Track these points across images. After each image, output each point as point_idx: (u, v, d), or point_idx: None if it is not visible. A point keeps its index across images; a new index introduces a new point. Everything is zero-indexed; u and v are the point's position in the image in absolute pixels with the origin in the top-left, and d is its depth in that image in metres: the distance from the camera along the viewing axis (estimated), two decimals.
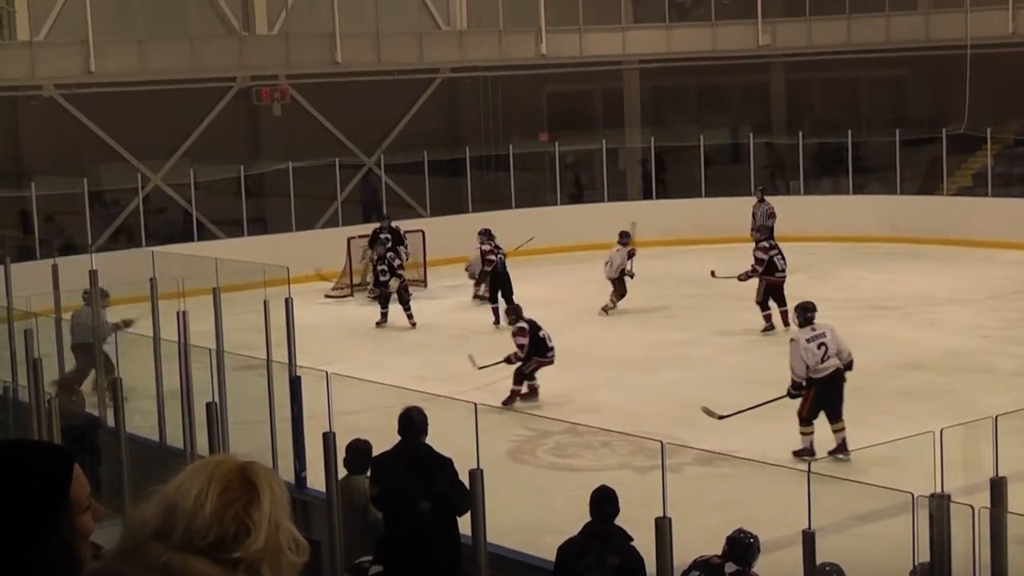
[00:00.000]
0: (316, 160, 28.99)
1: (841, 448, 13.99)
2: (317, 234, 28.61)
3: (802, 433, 14.23)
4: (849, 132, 30.61)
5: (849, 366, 14.39)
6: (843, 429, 14.15)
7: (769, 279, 21.00)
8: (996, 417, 8.40)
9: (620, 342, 20.84)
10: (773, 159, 33.81)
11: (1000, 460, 8.25)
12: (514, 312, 17.95)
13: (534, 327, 17.43)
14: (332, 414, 10.86)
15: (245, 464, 2.33)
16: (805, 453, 14.04)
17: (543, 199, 31.08)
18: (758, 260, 21.18)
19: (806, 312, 14.59)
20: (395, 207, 30.07)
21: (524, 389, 17.13)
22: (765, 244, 21.49)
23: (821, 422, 14.31)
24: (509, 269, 23.28)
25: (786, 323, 19.78)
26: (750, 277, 21.28)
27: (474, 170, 30.65)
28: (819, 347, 14.21)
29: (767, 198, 27.56)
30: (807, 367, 14.18)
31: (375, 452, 10.16)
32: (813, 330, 14.35)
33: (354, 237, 26.47)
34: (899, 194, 30.61)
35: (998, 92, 30.85)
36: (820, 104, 36.03)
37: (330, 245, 26.57)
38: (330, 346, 20.00)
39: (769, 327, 20.76)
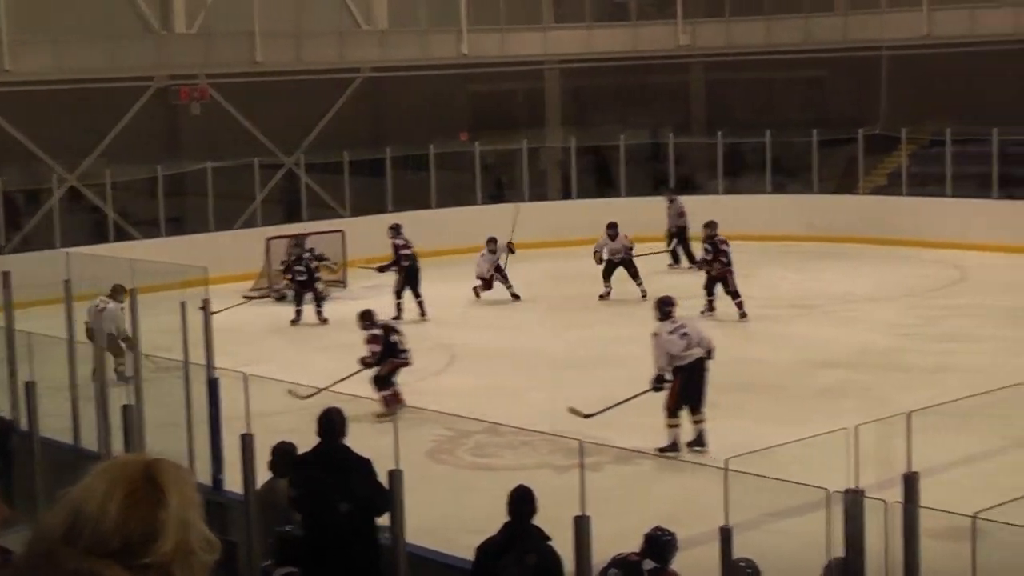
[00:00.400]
0: (235, 160, 28.80)
1: (699, 440, 14.42)
2: (236, 234, 28.44)
3: (668, 427, 14.49)
4: (767, 132, 30.85)
5: (710, 354, 14.74)
6: (703, 421, 14.53)
7: (728, 270, 22.35)
8: (910, 413, 8.49)
9: (546, 340, 20.88)
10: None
11: (913, 456, 8.34)
12: (367, 317, 17.31)
13: (388, 331, 17.08)
14: (250, 416, 10.79)
15: (151, 463, 2.25)
16: (670, 449, 14.33)
17: (464, 199, 31.07)
18: (723, 252, 22.30)
19: (664, 307, 14.98)
20: (315, 207, 29.99)
21: (390, 392, 16.52)
22: (722, 237, 22.63)
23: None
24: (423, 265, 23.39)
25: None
26: (723, 268, 22.30)
27: (395, 170, 30.59)
28: (681, 337, 14.59)
29: (677, 197, 27.98)
30: (671, 357, 14.52)
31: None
32: (674, 323, 14.77)
33: (273, 237, 26.34)
34: (816, 193, 30.91)
35: (914, 93, 31.22)
36: (739, 104, 36.25)
37: (249, 245, 26.41)
38: (249, 347, 19.86)
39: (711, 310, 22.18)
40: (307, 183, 30.48)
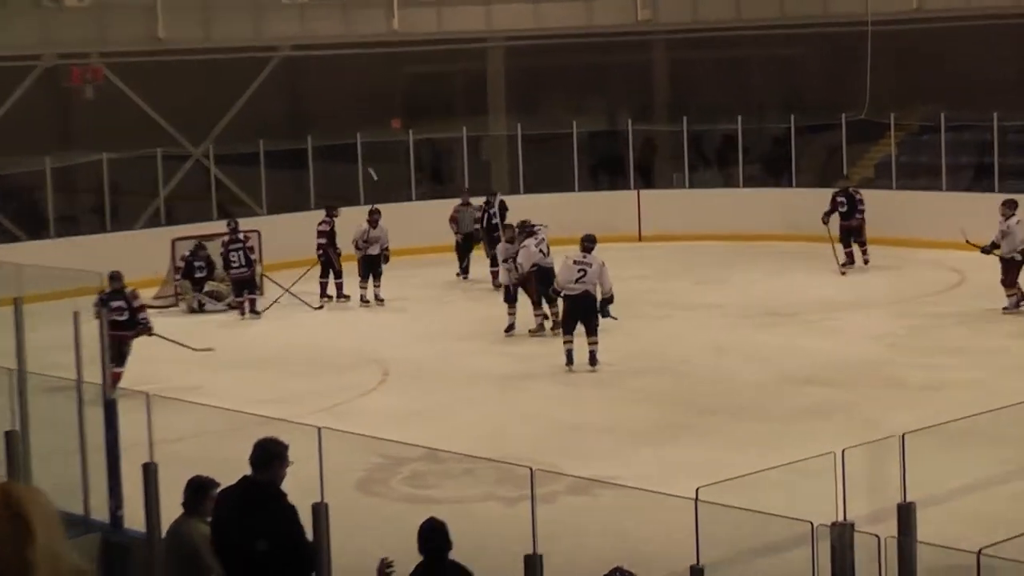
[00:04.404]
0: (135, 151, 28.59)
1: (592, 359, 19.18)
2: (136, 235, 28.26)
3: (563, 342, 19.50)
4: (739, 118, 30.92)
5: (610, 299, 19.45)
6: (595, 343, 19.20)
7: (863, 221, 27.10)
8: (903, 436, 8.49)
9: (484, 355, 20.83)
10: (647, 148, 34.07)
11: (908, 483, 8.34)
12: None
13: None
14: (153, 442, 10.67)
15: (6, 491, 2.18)
16: (568, 362, 19.31)
17: (397, 194, 30.92)
18: (859, 202, 27.11)
19: (585, 242, 19.69)
20: (227, 204, 29.81)
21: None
22: (856, 189, 27.72)
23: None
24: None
25: None
26: (860, 220, 27.10)
27: (318, 162, 30.45)
28: (579, 271, 19.27)
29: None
30: (564, 283, 19.43)
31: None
32: (583, 258, 19.40)
33: (180, 239, 26.16)
34: (795, 187, 31.00)
35: (902, 74, 31.39)
36: (707, 87, 36.34)
37: (151, 248, 26.21)
38: (153, 364, 19.68)
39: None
40: (217, 176, 30.29)
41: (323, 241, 25.45)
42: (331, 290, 25.53)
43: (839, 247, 26.78)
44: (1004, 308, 22.06)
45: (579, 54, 34.47)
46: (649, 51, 35.60)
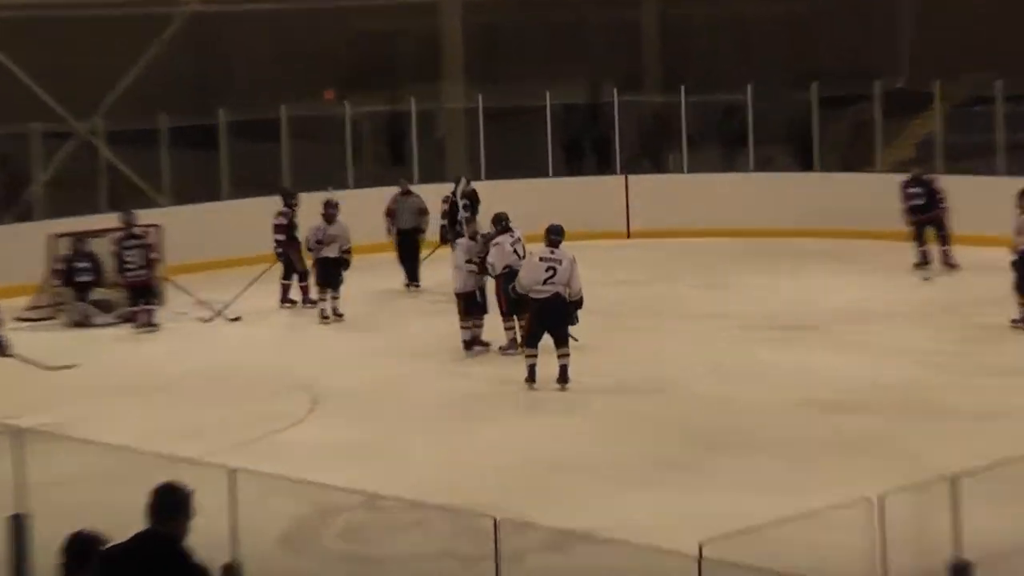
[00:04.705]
0: (6, 127, 28.50)
1: (562, 375, 19.42)
2: (5, 230, 28.34)
3: (525, 356, 19.85)
4: (748, 87, 30.93)
5: (579, 303, 19.66)
6: (566, 356, 19.44)
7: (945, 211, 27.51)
8: (954, 477, 8.43)
9: (439, 378, 20.76)
10: (645, 125, 34.16)
11: (963, 536, 8.28)
12: None
13: None
14: (26, 488, 10.55)
15: None
16: (529, 379, 19.60)
17: (330, 180, 30.86)
18: (938, 190, 27.33)
19: (552, 235, 19.87)
20: (121, 192, 29.75)
21: None
22: (931, 176, 28.06)
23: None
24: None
25: None
26: (941, 211, 27.42)
27: (232, 140, 30.38)
28: (547, 270, 19.57)
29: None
30: (532, 281, 19.67)
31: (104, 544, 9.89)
32: (551, 254, 19.66)
33: (60, 234, 25.99)
34: (817, 171, 31.02)
35: (949, 34, 31.44)
36: (708, 50, 36.41)
37: (24, 245, 26.11)
38: (25, 392, 19.59)
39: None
40: (108, 158, 30.20)
41: (281, 237, 25.48)
42: (294, 294, 25.47)
43: (914, 244, 26.95)
44: (1013, 320, 22.08)
45: (553, 10, 34.53)
46: (638, 6, 35.65)
